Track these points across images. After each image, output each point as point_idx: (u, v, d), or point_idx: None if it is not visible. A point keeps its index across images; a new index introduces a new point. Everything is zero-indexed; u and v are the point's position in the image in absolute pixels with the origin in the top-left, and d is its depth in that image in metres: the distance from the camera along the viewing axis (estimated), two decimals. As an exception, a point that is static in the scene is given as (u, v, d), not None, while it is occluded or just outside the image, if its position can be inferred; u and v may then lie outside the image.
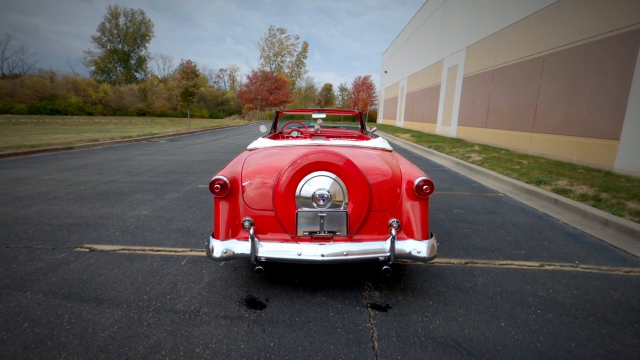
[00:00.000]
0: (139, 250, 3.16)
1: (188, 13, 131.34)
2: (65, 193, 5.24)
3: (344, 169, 2.29)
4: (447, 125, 17.78)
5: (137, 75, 65.18)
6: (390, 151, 3.14)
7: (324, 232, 2.29)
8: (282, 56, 66.05)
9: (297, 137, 4.64)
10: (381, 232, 2.35)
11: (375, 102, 60.88)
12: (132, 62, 64.70)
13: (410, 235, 2.32)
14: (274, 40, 64.63)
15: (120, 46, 61.92)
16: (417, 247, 2.27)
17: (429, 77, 21.62)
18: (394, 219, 2.34)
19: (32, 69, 55.78)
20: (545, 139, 9.22)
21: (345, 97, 76.05)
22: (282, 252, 2.22)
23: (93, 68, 60.52)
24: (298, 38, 66.89)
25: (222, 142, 15.03)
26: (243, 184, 2.40)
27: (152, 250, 3.16)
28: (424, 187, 2.30)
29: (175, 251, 3.15)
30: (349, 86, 75.36)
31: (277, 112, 4.98)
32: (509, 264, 3.05)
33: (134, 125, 25.42)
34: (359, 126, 5.48)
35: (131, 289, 2.45)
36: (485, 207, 5.00)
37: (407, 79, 28.30)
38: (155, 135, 17.09)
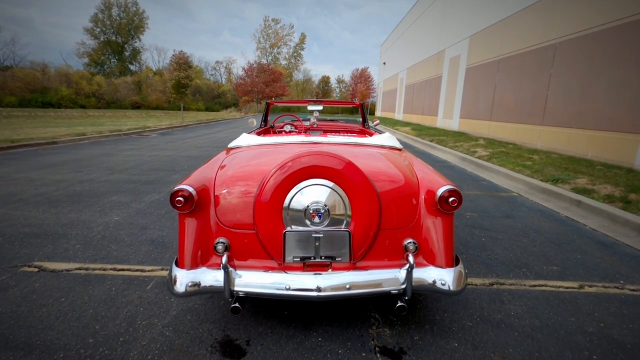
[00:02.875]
0: (99, 269, 2.63)
1: (184, 4, 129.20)
2: (33, 195, 4.70)
3: (345, 175, 1.76)
4: (448, 118, 17.23)
5: (132, 67, 63.99)
6: (400, 150, 2.61)
7: (321, 258, 1.77)
8: (278, 47, 65.01)
9: (290, 132, 4.10)
10: (394, 256, 1.84)
11: (373, 94, 60.10)
12: (126, 54, 63.41)
13: (431, 260, 1.81)
14: (270, 31, 63.56)
15: (113, 38, 60.56)
16: (440, 277, 1.75)
17: (429, 68, 20.99)
18: (410, 240, 1.82)
19: (23, 61, 54.58)
20: (556, 133, 8.70)
21: (343, 89, 75.14)
22: (266, 284, 1.70)
23: (86, 60, 59.21)
24: (293, 27, 65.35)
25: (215, 136, 14.44)
26: (216, 194, 1.86)
27: (114, 269, 2.63)
28: (450, 199, 1.78)
29: (142, 270, 2.62)
30: (347, 78, 74.44)
31: (268, 104, 4.41)
32: (543, 285, 2.55)
33: (129, 119, 24.75)
34: (360, 120, 4.94)
35: (76, 328, 1.93)
36: (500, 209, 4.49)
37: (407, 71, 27.63)
38: (147, 129, 16.48)
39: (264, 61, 56.82)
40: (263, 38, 63.91)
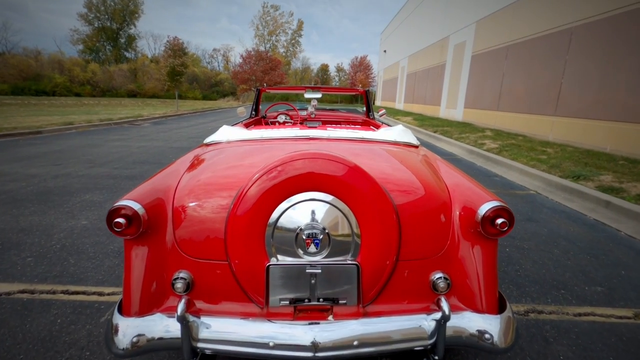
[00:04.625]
0: (47, 292, 2.15)
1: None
2: (-2, 192, 4.20)
3: (352, 186, 1.26)
4: (452, 108, 16.64)
5: (127, 54, 62.59)
6: (417, 147, 2.11)
7: (318, 301, 1.29)
8: (277, 35, 63.63)
9: (284, 124, 3.58)
10: (418, 297, 1.36)
11: (372, 83, 59.17)
12: (121, 40, 61.95)
13: (470, 303, 1.33)
14: (268, 18, 62.10)
15: (108, 24, 59.06)
16: (482, 327, 1.28)
17: (432, 55, 20.29)
18: (440, 275, 1.34)
19: (16, 48, 53.33)
20: (570, 124, 8.17)
21: (343, 78, 73.98)
22: (242, 337, 1.22)
23: (81, 47, 57.75)
24: (292, 15, 63.85)
25: (209, 126, 13.87)
26: (177, 210, 1.37)
27: (65, 292, 2.15)
28: (498, 220, 1.29)
29: (99, 294, 2.14)
30: (346, 67, 73.21)
31: (259, 90, 3.86)
32: (590, 314, 2.08)
33: (124, 107, 24.09)
34: (362, 110, 4.42)
35: (-8, 386, 1.46)
36: (519, 211, 4.01)
37: (408, 59, 26.87)
38: (140, 118, 15.87)
39: (262, 49, 55.60)
40: (261, 25, 62.47)
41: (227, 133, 2.10)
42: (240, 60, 49.80)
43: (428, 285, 1.35)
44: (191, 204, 1.38)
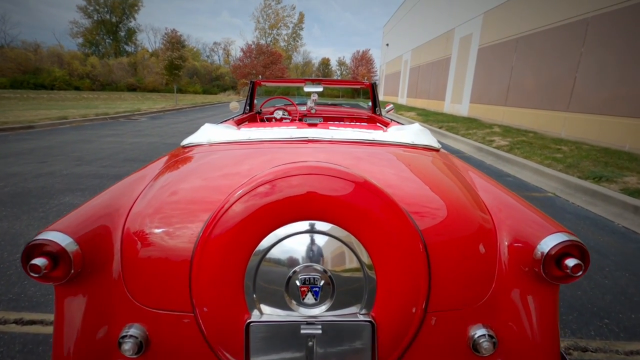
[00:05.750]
0: (-4, 322, 1.81)
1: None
2: (-29, 194, 3.86)
3: (364, 211, 0.91)
4: (457, 103, 16.21)
5: (127, 48, 62.03)
6: (438, 150, 1.75)
7: (317, 370, 0.94)
8: (278, 28, 62.85)
9: (281, 120, 3.22)
10: None
11: (374, 77, 58.54)
12: (121, 34, 61.33)
13: (523, 369, 0.98)
14: (270, 11, 61.27)
15: (108, 16, 58.42)
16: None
17: (437, 49, 19.78)
18: (482, 330, 0.99)
19: (15, 41, 52.88)
20: (585, 120, 7.77)
21: (344, 72, 73.27)
22: None
23: (80, 40, 57.24)
24: (294, 9, 62.71)
25: (208, 121, 13.46)
26: (126, 237, 1.02)
27: (18, 322, 1.81)
28: (570, 262, 0.94)
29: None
30: (348, 61, 72.45)
31: (253, 83, 3.48)
32: (645, 353, 1.73)
33: (124, 101, 23.76)
34: (362, 106, 4.05)
35: None
36: (540, 216, 3.65)
37: (411, 52, 26.32)
38: (137, 112, 15.53)
39: (262, 42, 54.88)
40: (262, 18, 61.68)
41: (209, 133, 1.74)
42: (241, 54, 49.17)
43: (466, 344, 1.00)
44: (149, 232, 1.03)
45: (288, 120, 3.22)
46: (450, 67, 17.23)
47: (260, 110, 3.39)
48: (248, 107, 3.44)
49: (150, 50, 61.21)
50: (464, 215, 1.10)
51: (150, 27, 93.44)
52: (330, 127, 2.10)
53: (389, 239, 0.91)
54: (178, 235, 1.02)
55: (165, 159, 1.57)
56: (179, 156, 1.53)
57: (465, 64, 15.32)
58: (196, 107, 22.40)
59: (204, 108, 21.83)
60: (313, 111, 3.35)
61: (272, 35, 62.67)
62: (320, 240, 0.93)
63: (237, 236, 0.90)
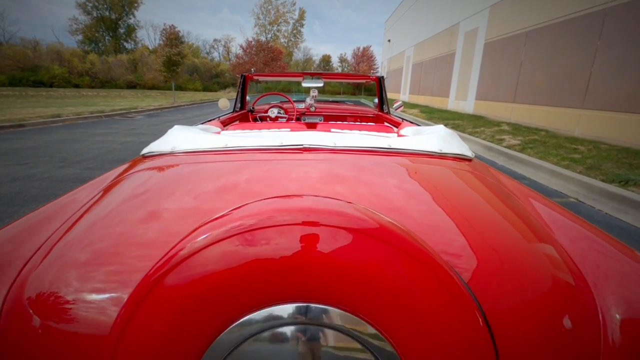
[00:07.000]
0: None
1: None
2: None
3: (391, 280, 0.52)
4: (462, 100, 15.77)
5: (127, 45, 61.60)
6: (470, 160, 1.35)
7: None
8: (278, 25, 62.32)
9: (276, 119, 2.83)
10: None
11: (376, 74, 57.99)
12: (121, 31, 60.89)
13: None
14: (270, 7, 60.74)
15: (107, 13, 57.98)
16: None
17: (440, 44, 19.31)
18: None
19: (13, 38, 52.52)
20: (602, 118, 7.34)
21: (346, 69, 72.68)
22: None
23: (80, 37, 56.82)
24: (294, 4, 62.17)
25: (206, 118, 13.12)
26: (9, 315, 0.63)
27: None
28: None
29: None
30: (349, 58, 71.84)
31: (244, 77, 3.08)
32: None
33: (123, 99, 23.41)
34: (371, 103, 3.66)
35: None
36: (567, 226, 3.25)
37: (414, 48, 25.83)
38: (133, 110, 15.15)
39: (262, 39, 54.37)
40: (262, 14, 61.16)
41: (175, 138, 1.36)
42: (240, 51, 48.72)
43: None
44: (50, 301, 0.64)
45: (284, 120, 2.83)
46: (455, 62, 16.77)
47: (253, 108, 3.00)
48: (239, 105, 3.05)
49: (150, 48, 60.79)
50: (536, 267, 0.71)
51: (150, 24, 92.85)
52: (332, 129, 1.72)
53: (435, 333, 0.52)
54: (94, 307, 0.63)
55: (103, 177, 1.19)
56: (130, 171, 1.15)
57: (470, 59, 14.87)
58: (194, 104, 22.03)
59: (202, 105, 21.46)
60: (312, 109, 2.96)
61: (272, 32, 62.15)
62: (318, 335, 0.54)
63: (180, 316, 0.51)
